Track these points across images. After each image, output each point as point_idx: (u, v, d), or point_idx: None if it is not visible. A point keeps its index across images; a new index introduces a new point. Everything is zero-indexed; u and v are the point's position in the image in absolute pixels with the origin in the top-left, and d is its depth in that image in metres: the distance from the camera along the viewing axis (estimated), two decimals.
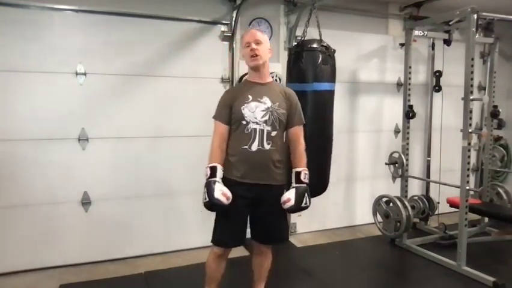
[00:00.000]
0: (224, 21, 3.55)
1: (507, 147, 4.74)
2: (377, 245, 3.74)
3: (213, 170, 2.06)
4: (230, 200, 2.01)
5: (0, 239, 3.00)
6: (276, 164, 2.14)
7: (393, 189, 3.87)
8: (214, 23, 3.51)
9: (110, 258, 3.27)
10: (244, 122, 2.08)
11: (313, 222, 4.06)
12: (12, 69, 2.94)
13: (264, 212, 2.17)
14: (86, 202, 3.21)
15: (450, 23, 3.64)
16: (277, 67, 3.71)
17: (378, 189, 4.05)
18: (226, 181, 2.08)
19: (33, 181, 3.05)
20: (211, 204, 2.01)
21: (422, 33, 3.74)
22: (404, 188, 3.70)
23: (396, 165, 3.71)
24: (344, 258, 3.47)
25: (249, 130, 2.08)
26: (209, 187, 2.02)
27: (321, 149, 2.64)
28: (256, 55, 2.12)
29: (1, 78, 2.93)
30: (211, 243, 2.21)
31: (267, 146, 2.09)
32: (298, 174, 2.16)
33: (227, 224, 2.14)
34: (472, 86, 3.02)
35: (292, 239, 3.82)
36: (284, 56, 3.81)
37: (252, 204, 2.14)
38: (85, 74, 3.13)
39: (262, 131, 2.08)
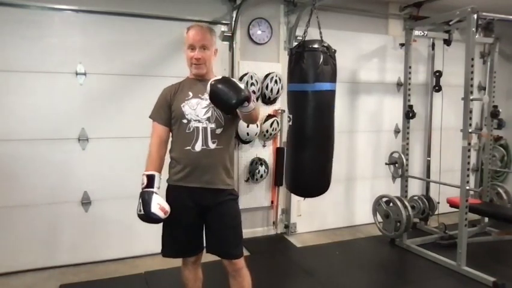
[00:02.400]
0: (224, 21, 3.55)
1: (507, 147, 4.74)
2: (377, 245, 3.74)
3: (150, 178, 1.87)
4: (167, 214, 1.82)
5: (0, 239, 3.00)
6: (224, 165, 1.95)
7: (393, 189, 3.87)
8: (214, 23, 3.50)
9: (110, 258, 3.27)
10: (185, 121, 1.90)
11: (313, 222, 4.06)
12: (12, 69, 2.94)
13: (214, 221, 1.96)
14: (86, 202, 3.21)
15: (450, 23, 3.63)
16: (277, 67, 3.72)
17: (378, 189, 4.06)
18: (171, 189, 1.94)
19: (33, 181, 3.05)
20: (147, 218, 1.83)
21: (422, 33, 3.74)
22: (404, 188, 3.70)
23: (396, 165, 3.71)
24: (344, 258, 3.47)
25: (191, 129, 1.89)
26: (145, 199, 1.82)
27: (322, 148, 2.65)
28: (200, 64, 1.93)
29: (1, 78, 2.93)
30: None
31: (212, 145, 1.90)
32: None
33: (176, 238, 1.97)
34: (472, 86, 3.03)
35: (292, 239, 3.83)
36: (284, 56, 3.81)
37: (202, 211, 1.95)
38: (85, 74, 3.13)
39: (205, 129, 1.90)
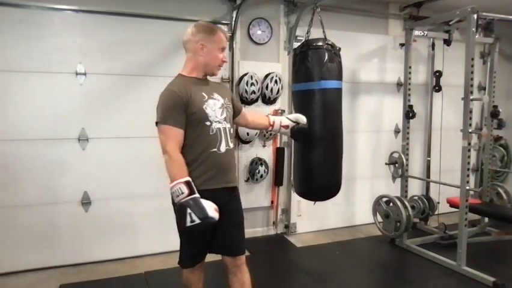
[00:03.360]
0: (224, 21, 3.55)
1: (507, 147, 4.74)
2: (377, 245, 3.74)
3: (190, 185, 1.76)
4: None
5: (0, 239, 3.00)
6: (235, 163, 2.09)
7: (393, 189, 3.87)
8: (214, 23, 3.49)
9: (110, 258, 3.27)
10: (208, 123, 1.88)
11: (313, 222, 4.06)
12: (12, 69, 2.94)
13: (224, 219, 1.90)
14: (86, 202, 3.21)
15: (450, 23, 3.64)
16: (277, 67, 3.72)
17: (378, 189, 4.06)
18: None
19: (33, 181, 3.05)
20: (205, 224, 1.74)
21: (422, 33, 3.74)
22: (404, 188, 3.70)
23: (396, 165, 3.71)
24: (344, 258, 3.47)
25: (214, 131, 1.89)
26: (197, 205, 1.72)
27: (331, 148, 2.60)
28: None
29: (1, 78, 2.93)
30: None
31: (231, 145, 1.97)
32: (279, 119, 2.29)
33: (199, 244, 1.96)
34: (472, 86, 3.02)
35: (292, 239, 3.83)
36: (284, 56, 3.82)
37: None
38: (85, 74, 3.13)
39: (225, 129, 1.94)
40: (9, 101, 2.97)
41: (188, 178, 1.79)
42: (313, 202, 2.79)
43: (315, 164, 2.56)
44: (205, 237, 1.96)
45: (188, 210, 1.72)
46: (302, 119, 2.31)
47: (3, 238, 3.01)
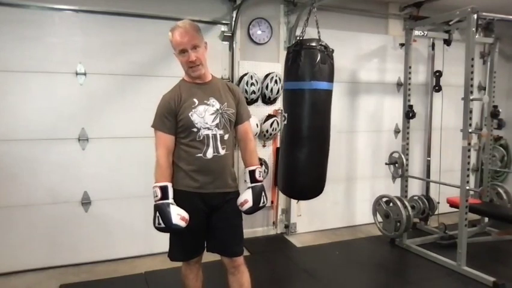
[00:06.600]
0: (224, 21, 3.55)
1: (507, 147, 4.74)
2: (377, 245, 3.74)
3: (164, 190, 1.85)
4: (188, 222, 1.85)
5: (0, 239, 3.00)
6: (231, 170, 2.02)
7: (393, 189, 3.87)
8: (214, 23, 3.51)
9: (110, 258, 3.28)
10: (195, 129, 1.89)
11: (313, 222, 4.06)
12: (12, 69, 2.94)
13: (218, 220, 1.99)
14: (86, 202, 3.21)
15: (450, 23, 3.63)
16: (277, 67, 3.72)
17: (378, 189, 4.06)
18: (180, 194, 1.90)
19: (33, 181, 3.05)
20: (169, 230, 1.86)
21: (422, 33, 3.74)
22: (404, 188, 3.70)
23: (396, 165, 3.71)
24: (344, 258, 3.48)
25: (201, 137, 1.90)
26: (163, 211, 1.81)
27: (317, 149, 2.58)
28: (197, 65, 1.90)
29: (1, 78, 2.93)
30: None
31: (222, 152, 1.93)
32: (252, 172, 2.03)
33: (186, 241, 2.00)
34: (472, 86, 3.02)
35: (292, 239, 3.83)
36: (284, 56, 3.80)
37: (210, 211, 1.97)
38: (85, 74, 3.13)
39: (215, 136, 1.92)
40: (9, 101, 2.96)
41: (165, 183, 1.87)
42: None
43: (300, 163, 2.53)
44: (189, 238, 1.98)
45: (157, 214, 1.84)
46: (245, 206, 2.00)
47: (3, 238, 3.01)
